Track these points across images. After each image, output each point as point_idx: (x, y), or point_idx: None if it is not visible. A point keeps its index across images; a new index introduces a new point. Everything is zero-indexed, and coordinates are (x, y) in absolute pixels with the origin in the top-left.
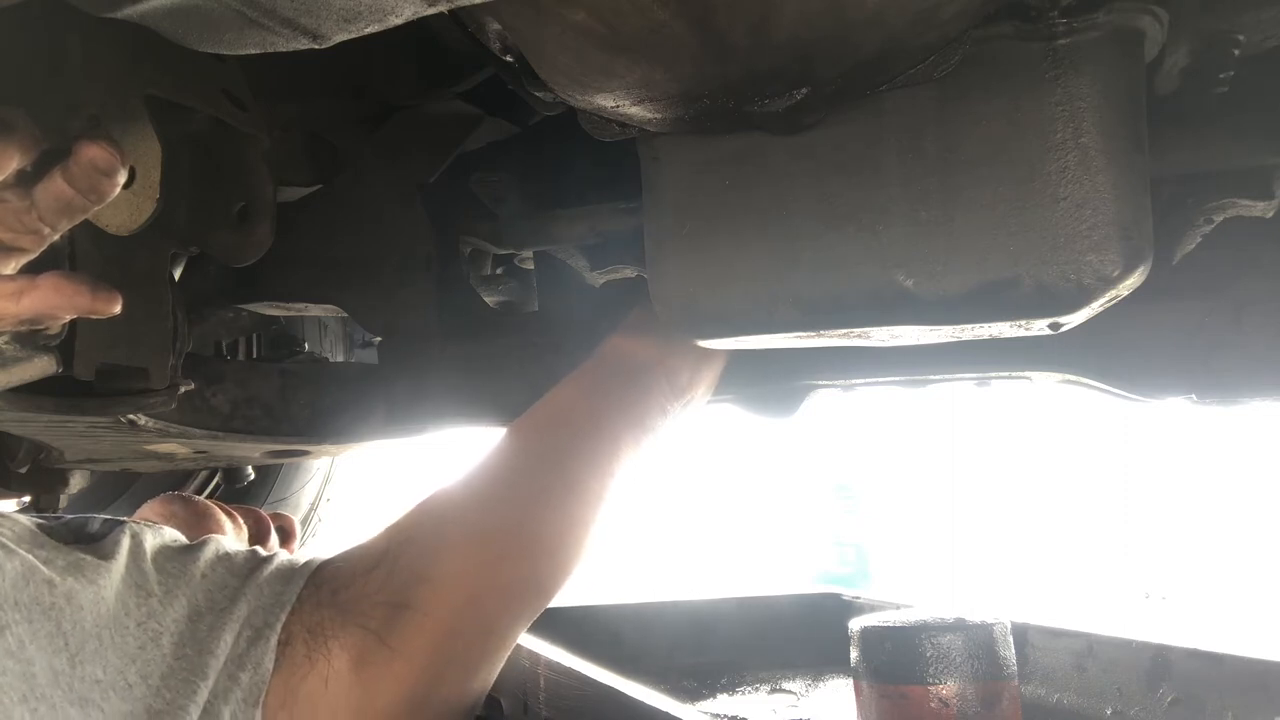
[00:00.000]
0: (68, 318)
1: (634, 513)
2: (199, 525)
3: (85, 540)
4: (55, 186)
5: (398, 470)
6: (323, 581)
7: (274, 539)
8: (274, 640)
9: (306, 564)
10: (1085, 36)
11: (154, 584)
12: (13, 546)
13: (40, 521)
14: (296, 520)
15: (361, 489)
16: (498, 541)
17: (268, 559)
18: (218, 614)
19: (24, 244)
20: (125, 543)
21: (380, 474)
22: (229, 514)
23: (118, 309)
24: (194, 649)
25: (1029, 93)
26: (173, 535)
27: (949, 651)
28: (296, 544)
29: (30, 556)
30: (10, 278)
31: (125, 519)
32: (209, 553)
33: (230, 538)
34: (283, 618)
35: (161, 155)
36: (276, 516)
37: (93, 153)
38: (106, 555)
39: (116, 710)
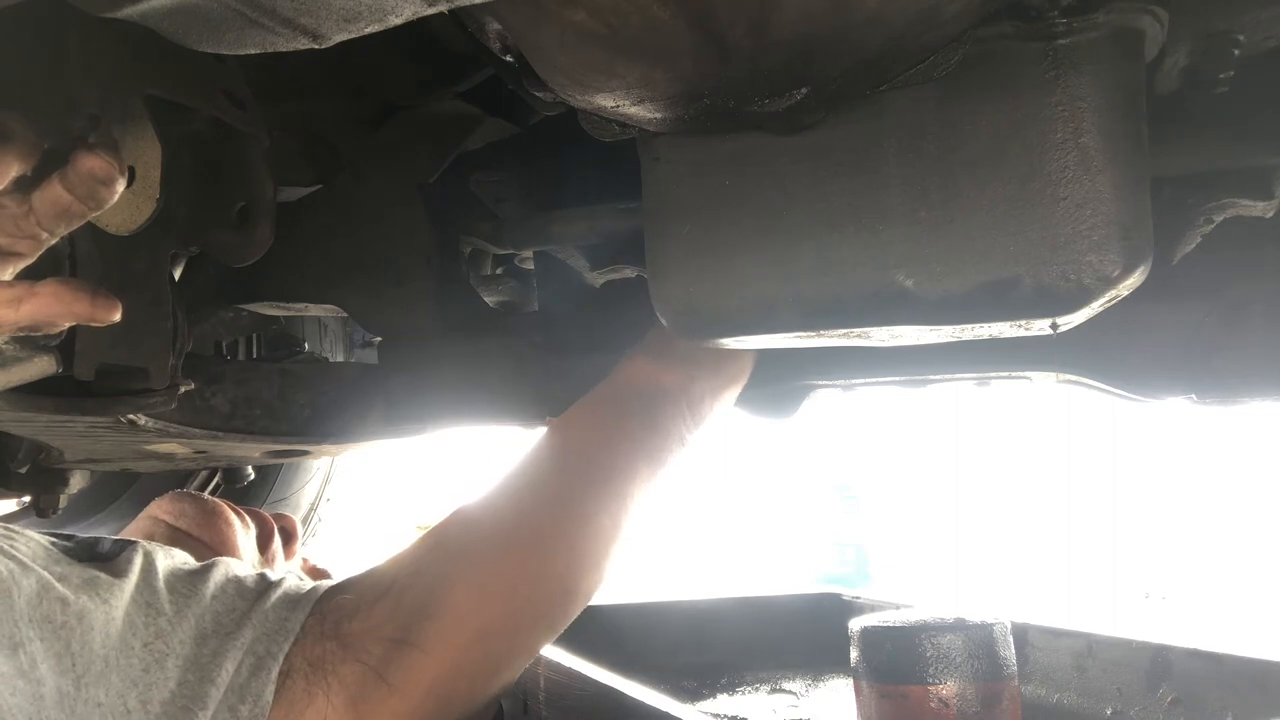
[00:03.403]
0: (67, 325)
1: (643, 540)
2: (209, 524)
3: (98, 559)
4: (53, 193)
5: (397, 470)
6: (328, 611)
7: (277, 540)
8: (275, 671)
9: (312, 590)
10: (1085, 36)
11: (165, 603)
12: (29, 563)
13: (54, 539)
14: (297, 520)
15: (361, 489)
16: (506, 579)
17: (276, 583)
18: (222, 638)
19: (21, 249)
20: (138, 561)
21: (380, 474)
22: (238, 513)
23: (117, 316)
24: (196, 675)
25: (1029, 93)
26: (183, 558)
27: (949, 651)
28: (298, 545)
29: (46, 574)
30: (9, 284)
31: (136, 540)
32: (219, 575)
33: (240, 536)
34: (286, 647)
35: (161, 155)
36: (279, 517)
37: (91, 164)
38: (120, 573)
39: None
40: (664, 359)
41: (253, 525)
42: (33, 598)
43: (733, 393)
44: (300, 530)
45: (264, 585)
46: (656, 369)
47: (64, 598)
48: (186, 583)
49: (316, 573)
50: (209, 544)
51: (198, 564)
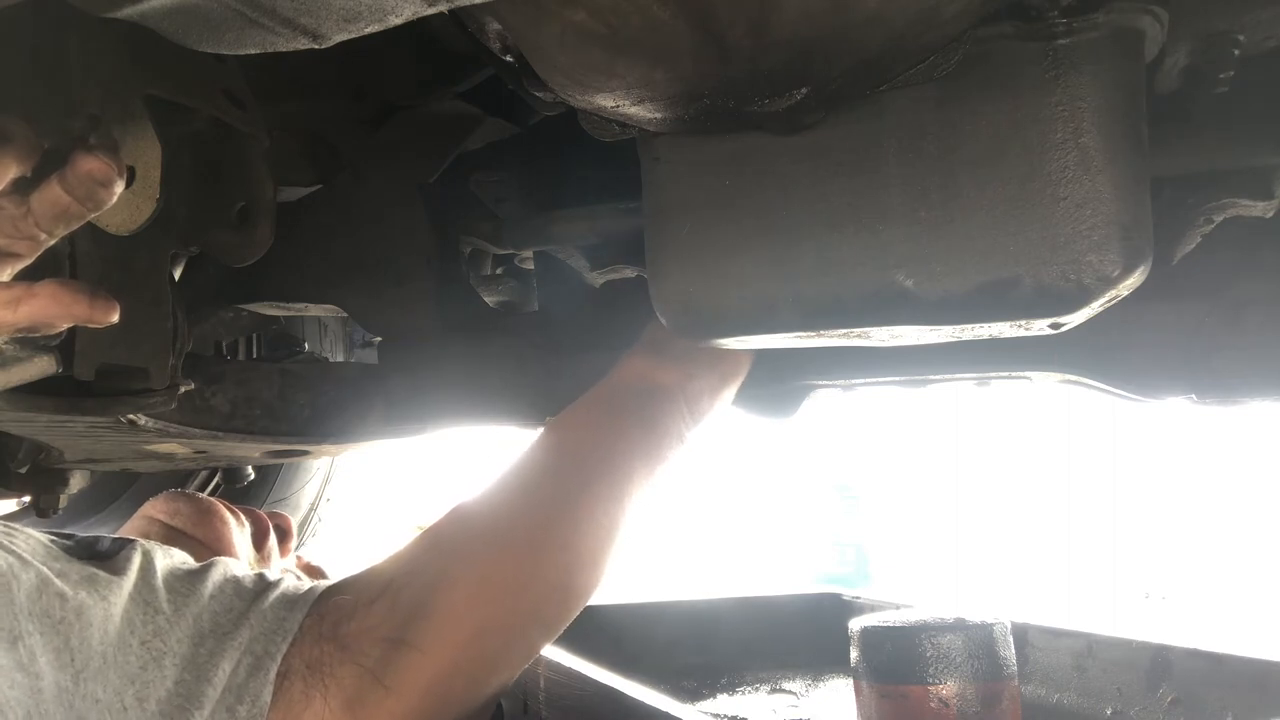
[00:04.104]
0: (65, 326)
1: (641, 539)
2: (204, 522)
3: (97, 557)
4: (52, 194)
5: (397, 470)
6: (325, 613)
7: (272, 538)
8: (273, 672)
9: (310, 590)
10: (1085, 36)
11: (163, 601)
12: (28, 558)
13: (53, 537)
14: (296, 520)
15: (361, 489)
16: (502, 578)
17: (274, 584)
18: (219, 639)
19: (19, 250)
20: (137, 560)
21: (380, 474)
22: (232, 511)
23: (115, 318)
24: (192, 675)
25: (1029, 93)
26: (182, 557)
27: (949, 651)
28: (293, 543)
29: (45, 569)
30: (7, 285)
31: (135, 538)
32: (217, 575)
33: (236, 534)
34: (284, 647)
35: (161, 155)
36: (273, 515)
37: (90, 165)
38: (119, 571)
39: None
40: (661, 357)
41: (247, 523)
42: (32, 592)
43: (730, 390)
44: (295, 528)
45: (262, 585)
46: (654, 367)
47: (63, 593)
48: (185, 582)
49: (311, 570)
50: (205, 542)
51: (196, 564)
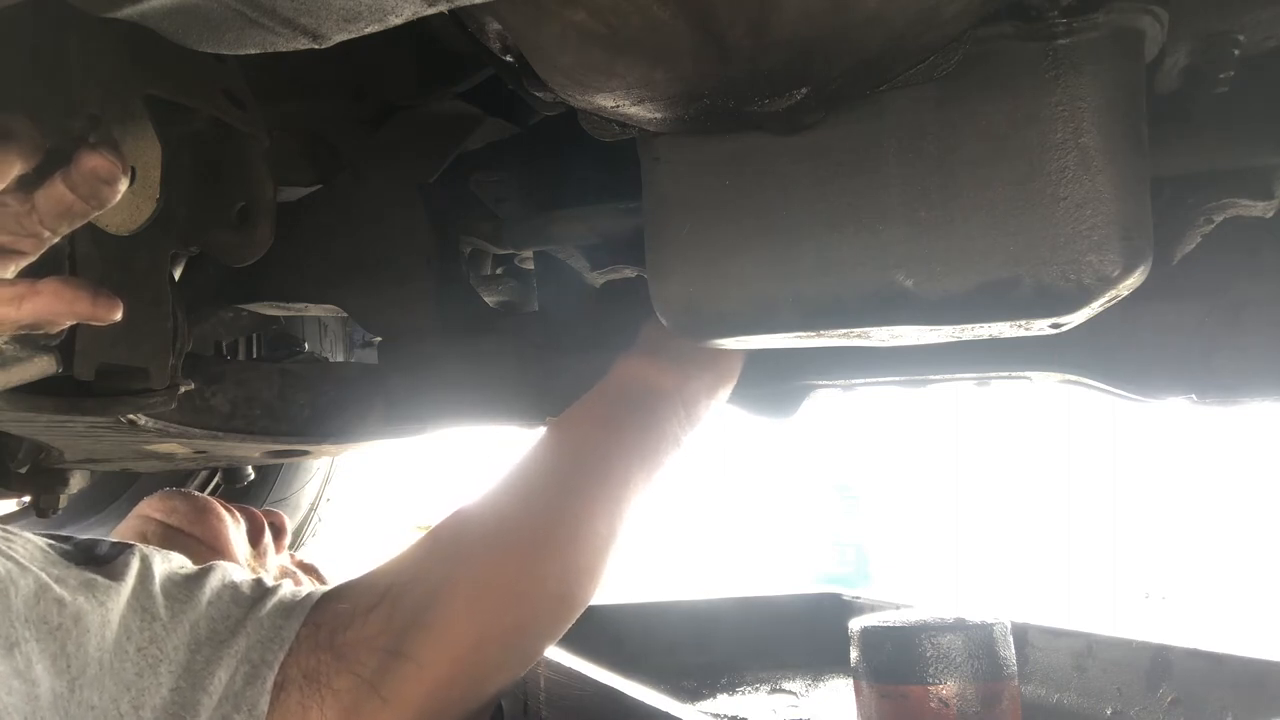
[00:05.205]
0: (68, 324)
1: (637, 541)
2: (200, 520)
3: (95, 562)
4: (56, 191)
5: (397, 470)
6: (323, 621)
7: (267, 535)
8: (270, 681)
9: (308, 597)
10: (1085, 36)
11: (160, 608)
12: (26, 564)
13: (51, 541)
14: (296, 520)
15: (361, 489)
16: (502, 586)
17: (272, 590)
18: (216, 646)
19: (23, 247)
20: (135, 565)
21: (380, 474)
22: (228, 509)
23: (118, 316)
24: (188, 682)
25: (1029, 93)
26: (180, 561)
27: (949, 651)
28: (287, 540)
29: (43, 575)
30: (10, 282)
31: (133, 543)
32: (215, 580)
33: (232, 531)
34: (280, 655)
35: (161, 155)
36: (267, 513)
37: (95, 162)
38: (116, 577)
39: None
40: (659, 359)
41: (243, 520)
42: (29, 598)
43: (725, 392)
44: (295, 528)
45: (260, 592)
46: (652, 370)
47: (60, 599)
48: (183, 588)
49: (304, 568)
50: (202, 539)
51: (195, 568)
